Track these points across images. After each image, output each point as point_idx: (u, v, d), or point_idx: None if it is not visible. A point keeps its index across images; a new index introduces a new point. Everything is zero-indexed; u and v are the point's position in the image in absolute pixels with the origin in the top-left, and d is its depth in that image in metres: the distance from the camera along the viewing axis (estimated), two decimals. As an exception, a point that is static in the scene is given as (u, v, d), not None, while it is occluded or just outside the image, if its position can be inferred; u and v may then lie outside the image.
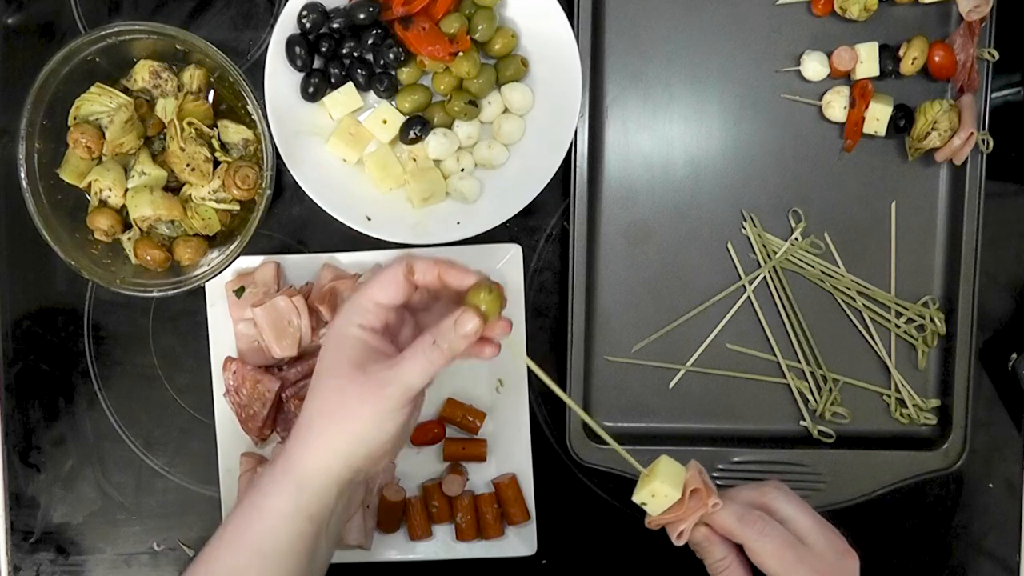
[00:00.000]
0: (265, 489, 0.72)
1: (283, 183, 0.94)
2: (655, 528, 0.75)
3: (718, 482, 0.93)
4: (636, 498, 0.73)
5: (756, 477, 0.93)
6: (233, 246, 0.86)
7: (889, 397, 0.95)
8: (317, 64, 0.91)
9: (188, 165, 0.86)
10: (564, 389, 0.92)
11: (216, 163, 0.88)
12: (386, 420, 0.70)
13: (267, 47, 0.89)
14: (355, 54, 0.91)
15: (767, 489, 0.75)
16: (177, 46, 0.87)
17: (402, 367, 0.70)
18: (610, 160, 0.95)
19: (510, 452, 0.94)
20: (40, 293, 0.97)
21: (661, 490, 0.72)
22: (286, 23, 0.89)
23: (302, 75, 0.90)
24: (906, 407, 0.95)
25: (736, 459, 0.93)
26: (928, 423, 0.95)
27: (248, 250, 0.86)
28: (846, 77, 0.93)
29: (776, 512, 0.74)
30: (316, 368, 0.73)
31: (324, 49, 0.90)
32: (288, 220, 0.96)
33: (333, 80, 0.91)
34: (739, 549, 0.75)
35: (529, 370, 0.93)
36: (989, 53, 0.91)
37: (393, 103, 0.92)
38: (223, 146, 0.89)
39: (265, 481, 0.72)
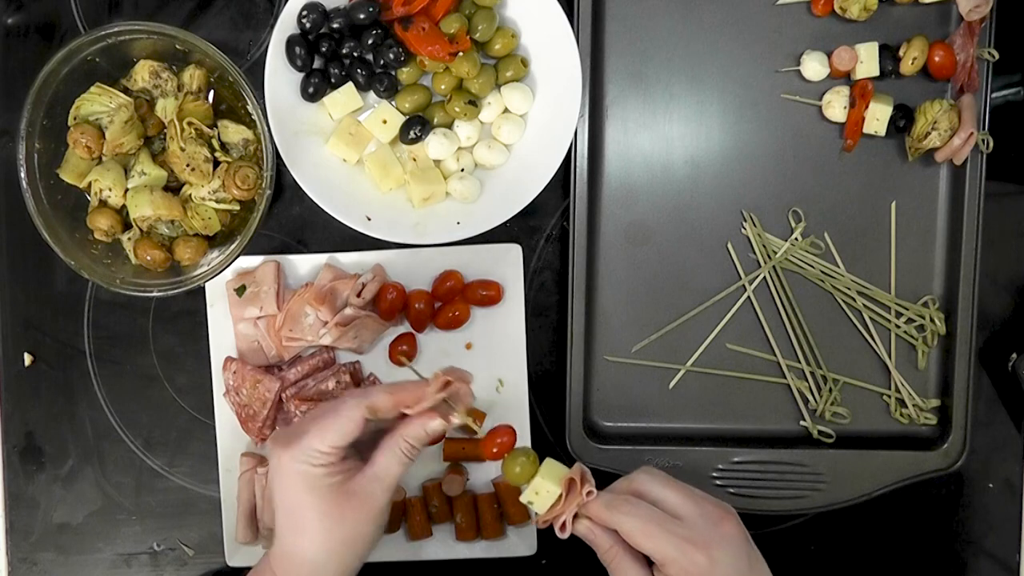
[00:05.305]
0: None
1: (283, 183, 0.94)
2: (543, 526, 0.78)
3: (717, 482, 0.93)
4: (523, 498, 0.77)
5: (756, 477, 0.93)
6: (233, 246, 0.86)
7: (889, 397, 0.95)
8: (317, 64, 0.91)
9: (188, 165, 0.86)
10: (564, 388, 0.93)
11: (216, 163, 0.88)
12: (383, 516, 0.77)
13: (267, 47, 0.89)
14: (355, 54, 0.91)
15: (635, 475, 0.77)
16: (177, 46, 0.87)
17: (380, 469, 0.76)
18: (610, 160, 0.95)
19: (510, 452, 0.94)
20: (40, 293, 0.97)
21: (543, 486, 0.76)
22: (286, 23, 0.89)
23: (302, 75, 0.90)
24: (906, 407, 0.95)
25: (736, 459, 0.93)
26: (928, 423, 0.95)
27: (248, 250, 0.86)
28: (846, 77, 0.93)
29: (646, 495, 0.75)
30: (289, 506, 0.75)
31: (324, 49, 0.90)
32: (288, 220, 0.96)
33: (333, 80, 0.91)
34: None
35: (529, 370, 0.94)
36: (989, 53, 0.91)
37: (393, 103, 0.92)
38: (223, 146, 0.89)
39: None
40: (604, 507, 0.74)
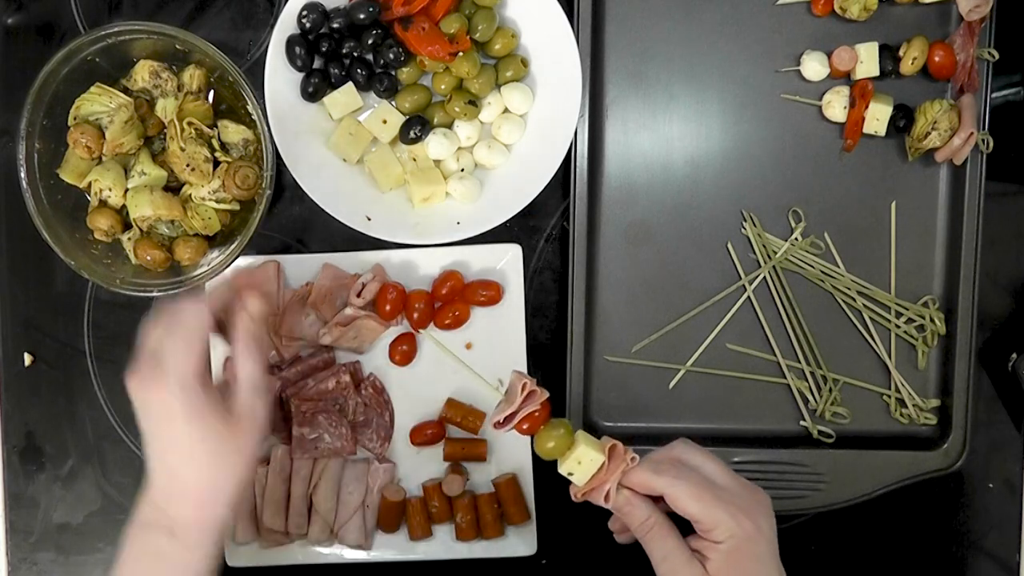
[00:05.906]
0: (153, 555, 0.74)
1: (283, 183, 0.94)
2: (580, 499, 0.77)
3: (718, 482, 0.93)
4: (562, 470, 0.76)
5: (756, 477, 0.92)
6: (233, 246, 0.86)
7: (889, 397, 0.95)
8: (317, 64, 0.91)
9: (188, 165, 0.86)
10: (564, 388, 0.93)
11: (216, 163, 0.88)
12: (265, 425, 0.76)
13: (267, 47, 0.89)
14: (355, 54, 0.91)
15: (674, 445, 0.78)
16: (177, 46, 0.87)
17: (246, 377, 0.75)
18: (610, 160, 0.95)
19: (510, 452, 0.94)
20: (40, 293, 0.97)
21: (587, 455, 0.75)
22: (286, 23, 0.89)
23: (302, 75, 0.90)
24: (906, 407, 0.95)
25: (736, 459, 0.93)
26: (928, 423, 0.95)
27: (248, 250, 0.86)
28: (846, 77, 0.93)
29: (686, 463, 0.76)
30: (173, 442, 0.74)
31: (324, 49, 0.90)
32: (288, 220, 0.96)
33: (333, 80, 0.91)
34: (661, 510, 0.76)
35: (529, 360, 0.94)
36: (989, 53, 0.91)
37: (393, 103, 0.92)
38: (223, 146, 0.89)
39: (149, 549, 0.74)
40: (652, 472, 0.75)
